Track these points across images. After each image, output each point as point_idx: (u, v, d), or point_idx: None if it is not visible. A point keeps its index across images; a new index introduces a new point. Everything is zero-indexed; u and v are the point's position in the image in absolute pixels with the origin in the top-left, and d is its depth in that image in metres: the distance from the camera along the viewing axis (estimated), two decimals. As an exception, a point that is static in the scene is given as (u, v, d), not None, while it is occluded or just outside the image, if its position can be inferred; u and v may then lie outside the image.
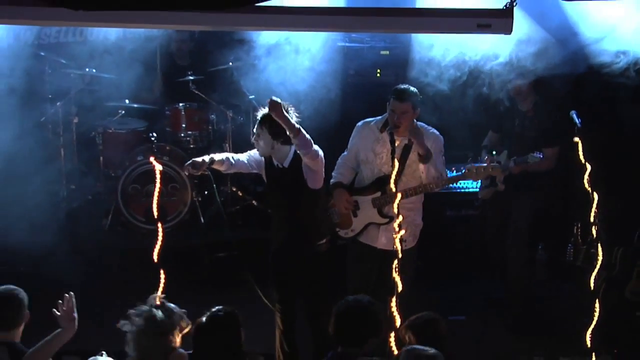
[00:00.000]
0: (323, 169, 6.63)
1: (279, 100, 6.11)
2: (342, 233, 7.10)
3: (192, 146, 9.00)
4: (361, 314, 5.37)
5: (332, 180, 7.03)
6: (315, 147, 6.48)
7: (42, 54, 9.03)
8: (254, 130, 6.63)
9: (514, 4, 5.54)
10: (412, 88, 6.91)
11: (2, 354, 5.20)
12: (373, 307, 5.41)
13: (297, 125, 6.28)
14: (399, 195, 6.49)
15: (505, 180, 7.25)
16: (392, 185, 6.49)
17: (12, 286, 5.47)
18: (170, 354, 5.23)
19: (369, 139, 6.95)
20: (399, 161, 6.62)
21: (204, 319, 5.26)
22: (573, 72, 7.94)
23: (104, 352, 5.61)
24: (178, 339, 5.32)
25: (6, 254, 8.51)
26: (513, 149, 7.50)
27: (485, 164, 6.93)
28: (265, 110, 6.38)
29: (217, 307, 5.37)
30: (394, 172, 6.45)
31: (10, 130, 8.94)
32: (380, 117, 7.01)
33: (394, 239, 6.22)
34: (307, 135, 6.36)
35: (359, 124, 7.09)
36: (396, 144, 6.65)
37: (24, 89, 9.12)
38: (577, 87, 8.48)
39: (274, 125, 6.35)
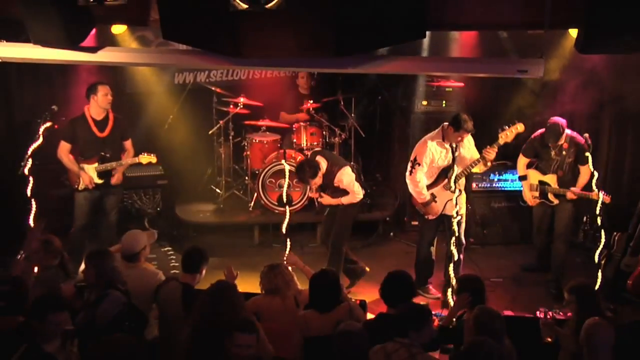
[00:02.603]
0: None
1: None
2: (431, 217, 7.11)
3: (307, 153, 8.94)
4: (404, 282, 5.22)
5: (424, 198, 7.01)
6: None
7: (211, 88, 9.22)
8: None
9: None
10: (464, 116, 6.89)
11: (177, 290, 5.23)
12: (410, 280, 5.27)
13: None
14: (463, 194, 6.82)
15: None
16: (452, 182, 6.54)
17: (199, 246, 5.58)
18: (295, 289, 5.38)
19: (432, 149, 6.93)
20: (454, 159, 6.76)
21: (318, 271, 5.29)
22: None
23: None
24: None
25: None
26: (556, 171, 7.22)
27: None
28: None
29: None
30: (456, 170, 6.66)
31: (191, 139, 9.22)
32: (434, 132, 7.01)
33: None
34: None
35: (426, 143, 6.98)
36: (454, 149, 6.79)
37: (199, 112, 9.40)
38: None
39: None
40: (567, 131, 7.15)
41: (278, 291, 5.27)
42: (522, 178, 7.54)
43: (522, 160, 7.54)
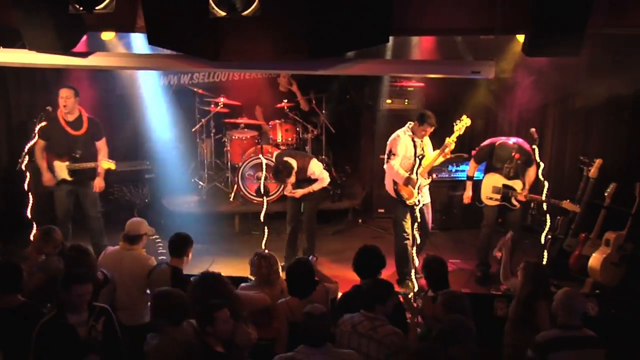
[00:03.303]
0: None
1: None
2: (410, 202, 7.05)
3: (283, 148, 8.98)
4: (374, 254, 5.28)
5: (403, 176, 6.98)
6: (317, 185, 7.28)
7: (194, 89, 9.21)
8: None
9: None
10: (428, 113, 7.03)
11: (166, 274, 5.26)
12: (380, 252, 5.31)
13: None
14: (429, 179, 7.11)
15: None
16: (422, 169, 6.82)
17: (184, 232, 5.56)
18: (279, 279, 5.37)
19: (406, 141, 7.03)
20: (423, 151, 7.00)
21: (293, 262, 5.29)
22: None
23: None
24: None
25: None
26: (517, 177, 7.16)
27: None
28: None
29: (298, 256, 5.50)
30: (428, 159, 7.01)
31: (174, 136, 9.20)
32: (405, 127, 7.10)
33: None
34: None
35: (399, 136, 7.06)
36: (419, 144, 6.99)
37: (183, 111, 9.40)
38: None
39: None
40: (512, 139, 7.21)
41: (271, 283, 5.26)
42: (470, 178, 7.46)
43: (472, 165, 7.47)
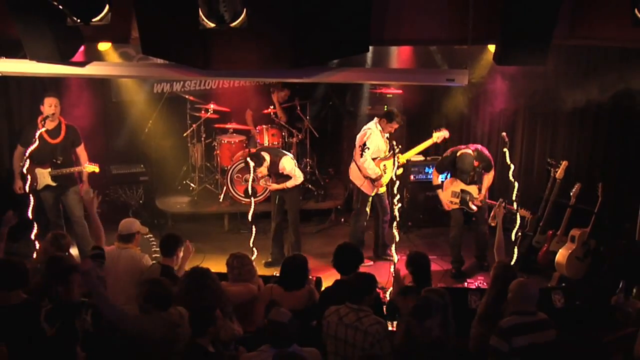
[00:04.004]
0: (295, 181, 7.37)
1: None
2: (376, 191, 7.40)
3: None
4: (352, 250, 5.33)
5: (377, 173, 7.32)
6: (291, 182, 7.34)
7: (186, 96, 9.21)
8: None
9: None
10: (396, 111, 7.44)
11: (156, 270, 5.27)
12: (358, 248, 5.36)
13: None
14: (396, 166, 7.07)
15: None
16: (391, 160, 7.11)
17: (174, 233, 5.63)
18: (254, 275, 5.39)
19: (376, 135, 7.24)
20: (390, 146, 7.24)
21: (291, 255, 5.34)
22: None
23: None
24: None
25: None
26: (475, 182, 7.31)
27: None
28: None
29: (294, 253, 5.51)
30: (388, 152, 7.28)
31: (169, 140, 9.20)
32: (372, 123, 7.37)
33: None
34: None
35: (370, 129, 7.29)
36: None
37: (175, 117, 9.40)
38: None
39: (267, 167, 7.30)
40: (472, 147, 7.29)
41: (244, 282, 5.26)
42: (437, 187, 7.51)
43: (435, 174, 7.54)
